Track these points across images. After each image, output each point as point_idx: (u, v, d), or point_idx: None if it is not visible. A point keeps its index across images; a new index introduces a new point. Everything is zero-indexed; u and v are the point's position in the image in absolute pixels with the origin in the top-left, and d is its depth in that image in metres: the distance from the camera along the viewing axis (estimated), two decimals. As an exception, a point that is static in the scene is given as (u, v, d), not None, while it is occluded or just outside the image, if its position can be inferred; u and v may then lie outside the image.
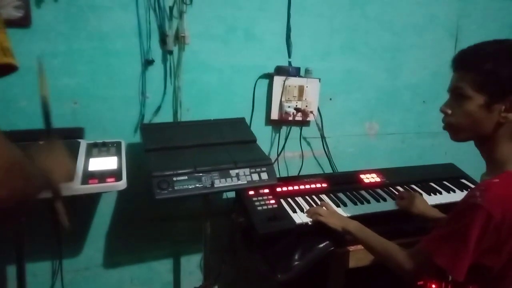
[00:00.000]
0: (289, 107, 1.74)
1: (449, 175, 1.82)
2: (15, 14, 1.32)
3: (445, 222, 0.98)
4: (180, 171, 1.25)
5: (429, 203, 1.49)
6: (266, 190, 1.46)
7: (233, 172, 1.31)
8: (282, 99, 1.74)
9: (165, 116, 1.60)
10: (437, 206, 1.52)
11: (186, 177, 1.25)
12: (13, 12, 1.31)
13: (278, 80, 1.72)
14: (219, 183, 1.28)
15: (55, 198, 0.89)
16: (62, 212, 0.91)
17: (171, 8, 1.51)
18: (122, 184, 1.20)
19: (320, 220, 1.32)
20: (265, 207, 1.39)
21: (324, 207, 1.41)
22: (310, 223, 1.36)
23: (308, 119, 1.80)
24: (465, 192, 1.61)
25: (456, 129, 1.01)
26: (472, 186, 1.72)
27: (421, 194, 1.61)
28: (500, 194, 0.89)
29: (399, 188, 1.67)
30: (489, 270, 0.93)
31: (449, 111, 1.01)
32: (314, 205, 1.46)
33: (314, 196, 1.53)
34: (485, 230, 0.87)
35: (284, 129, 1.83)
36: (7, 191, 0.59)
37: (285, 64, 1.74)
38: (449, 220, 0.97)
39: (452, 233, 0.93)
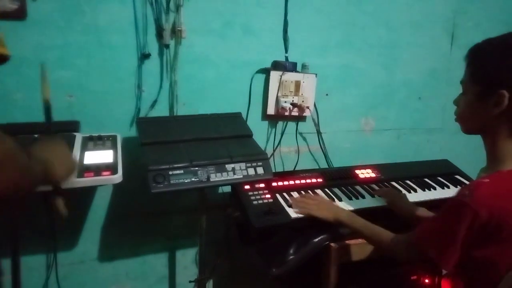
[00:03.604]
0: (285, 102, 1.74)
1: (443, 171, 1.83)
2: (11, 6, 1.30)
3: (436, 216, 1.03)
4: (176, 165, 1.25)
5: (424, 199, 1.50)
6: (262, 185, 1.46)
7: (229, 167, 1.31)
8: (279, 94, 1.74)
9: (161, 110, 1.60)
10: (431, 202, 1.54)
11: (182, 171, 1.25)
12: (8, 4, 1.30)
13: (274, 75, 1.71)
14: (215, 177, 1.28)
15: (55, 192, 0.88)
16: (61, 208, 0.91)
17: (168, 2, 1.50)
18: (118, 177, 1.19)
19: (311, 214, 1.33)
20: (260, 201, 1.39)
21: (310, 199, 1.41)
22: (298, 216, 1.35)
23: (304, 114, 1.80)
24: (459, 188, 1.62)
25: (461, 120, 1.06)
26: (466, 182, 1.73)
27: (415, 191, 1.62)
28: (488, 194, 0.91)
29: (394, 183, 1.68)
30: (477, 263, 0.96)
31: (457, 103, 1.06)
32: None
33: (309, 191, 1.54)
34: (471, 228, 0.90)
35: (280, 124, 1.83)
36: (0, 183, 0.58)
37: (282, 59, 1.74)
38: (440, 214, 1.01)
39: (442, 227, 0.97)
